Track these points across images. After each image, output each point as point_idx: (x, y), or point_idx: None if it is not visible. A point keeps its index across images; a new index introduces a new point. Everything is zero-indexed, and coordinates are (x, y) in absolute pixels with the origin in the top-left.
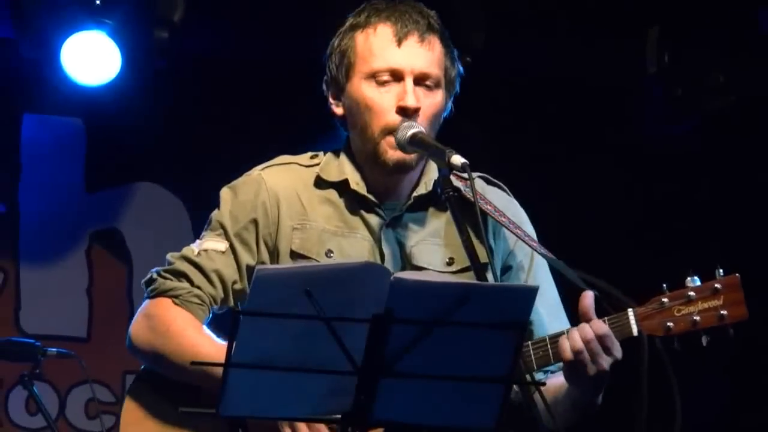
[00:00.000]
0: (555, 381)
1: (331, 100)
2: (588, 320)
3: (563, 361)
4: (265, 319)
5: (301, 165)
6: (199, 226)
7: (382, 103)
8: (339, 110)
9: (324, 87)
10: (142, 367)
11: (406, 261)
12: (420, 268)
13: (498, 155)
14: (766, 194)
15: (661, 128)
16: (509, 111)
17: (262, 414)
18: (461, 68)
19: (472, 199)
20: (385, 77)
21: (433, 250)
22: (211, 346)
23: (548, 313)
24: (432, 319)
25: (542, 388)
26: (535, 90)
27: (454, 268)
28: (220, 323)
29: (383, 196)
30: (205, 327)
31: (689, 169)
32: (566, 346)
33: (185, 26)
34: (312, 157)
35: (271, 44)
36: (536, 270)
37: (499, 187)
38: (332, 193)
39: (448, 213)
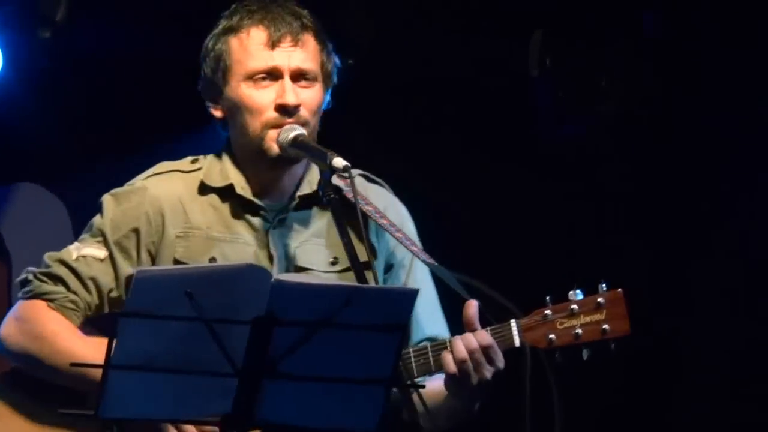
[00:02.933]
0: (434, 385)
1: (209, 103)
2: (472, 329)
3: (446, 373)
4: (146, 320)
5: (183, 171)
6: (80, 227)
7: (261, 101)
8: (218, 113)
9: (200, 90)
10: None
11: (290, 262)
12: (303, 269)
13: (386, 157)
14: (649, 200)
15: (547, 131)
16: (398, 112)
17: (143, 415)
18: (338, 61)
19: (353, 200)
20: (263, 77)
21: (316, 250)
22: (87, 349)
23: (426, 314)
24: (313, 321)
25: (422, 391)
26: (424, 91)
27: (338, 267)
28: (105, 324)
29: (267, 197)
30: (78, 331)
31: (577, 172)
32: (449, 359)
33: (70, 26)
34: (193, 161)
35: (157, 44)
36: (416, 269)
37: (380, 184)
38: (215, 199)
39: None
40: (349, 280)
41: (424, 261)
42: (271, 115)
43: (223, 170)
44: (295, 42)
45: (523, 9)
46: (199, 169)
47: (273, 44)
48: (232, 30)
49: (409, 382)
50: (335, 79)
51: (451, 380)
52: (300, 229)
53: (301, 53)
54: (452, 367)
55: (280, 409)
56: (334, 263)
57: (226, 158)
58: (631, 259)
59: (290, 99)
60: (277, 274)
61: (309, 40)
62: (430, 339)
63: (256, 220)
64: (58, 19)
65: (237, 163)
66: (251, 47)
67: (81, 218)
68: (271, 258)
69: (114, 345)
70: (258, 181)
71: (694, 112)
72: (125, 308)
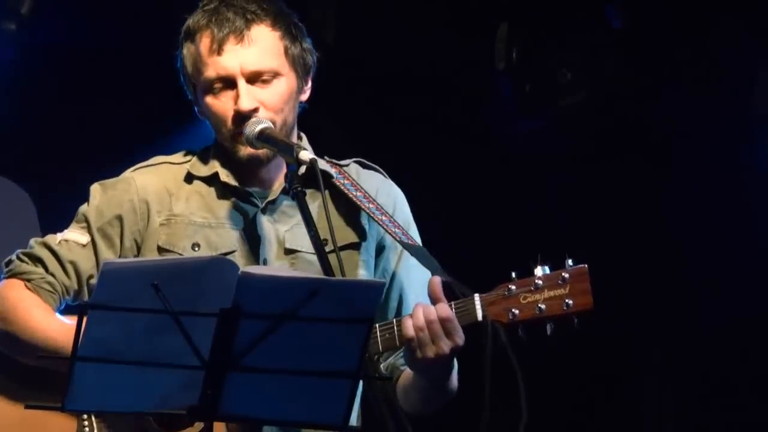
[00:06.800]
0: (405, 375)
1: (191, 98)
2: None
3: (404, 341)
4: (113, 312)
5: (173, 163)
6: (47, 221)
7: (221, 111)
8: (199, 112)
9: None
10: None
11: (279, 245)
12: (292, 251)
13: (351, 150)
14: (615, 190)
15: (512, 125)
16: (361, 107)
17: (109, 408)
18: (309, 40)
19: (341, 187)
20: (218, 86)
21: (305, 233)
22: (60, 327)
23: (415, 296)
24: (279, 313)
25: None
26: (389, 84)
27: (327, 248)
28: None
29: (255, 185)
30: (53, 310)
31: (540, 165)
32: (408, 324)
33: (35, 17)
34: (185, 155)
35: (122, 35)
36: (407, 253)
37: (375, 170)
38: (202, 186)
39: (325, 194)
40: (335, 262)
41: (402, 243)
42: (233, 124)
43: (209, 161)
44: (240, 39)
45: (488, 2)
46: (189, 161)
47: (219, 49)
48: (188, 35)
49: (376, 375)
50: (311, 60)
51: (409, 351)
52: (291, 213)
53: (253, 51)
54: (410, 331)
55: (244, 401)
56: (324, 244)
57: (213, 150)
58: (593, 247)
59: (244, 105)
60: (260, 260)
61: (261, 33)
62: None
63: (243, 205)
64: (23, 11)
65: (222, 154)
66: (201, 56)
67: (47, 209)
68: (258, 241)
69: (81, 336)
70: (242, 172)
71: (659, 103)
72: (92, 300)
